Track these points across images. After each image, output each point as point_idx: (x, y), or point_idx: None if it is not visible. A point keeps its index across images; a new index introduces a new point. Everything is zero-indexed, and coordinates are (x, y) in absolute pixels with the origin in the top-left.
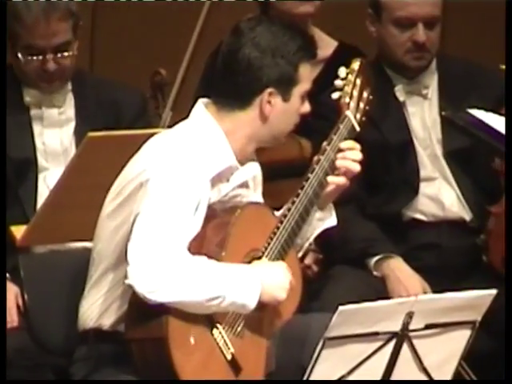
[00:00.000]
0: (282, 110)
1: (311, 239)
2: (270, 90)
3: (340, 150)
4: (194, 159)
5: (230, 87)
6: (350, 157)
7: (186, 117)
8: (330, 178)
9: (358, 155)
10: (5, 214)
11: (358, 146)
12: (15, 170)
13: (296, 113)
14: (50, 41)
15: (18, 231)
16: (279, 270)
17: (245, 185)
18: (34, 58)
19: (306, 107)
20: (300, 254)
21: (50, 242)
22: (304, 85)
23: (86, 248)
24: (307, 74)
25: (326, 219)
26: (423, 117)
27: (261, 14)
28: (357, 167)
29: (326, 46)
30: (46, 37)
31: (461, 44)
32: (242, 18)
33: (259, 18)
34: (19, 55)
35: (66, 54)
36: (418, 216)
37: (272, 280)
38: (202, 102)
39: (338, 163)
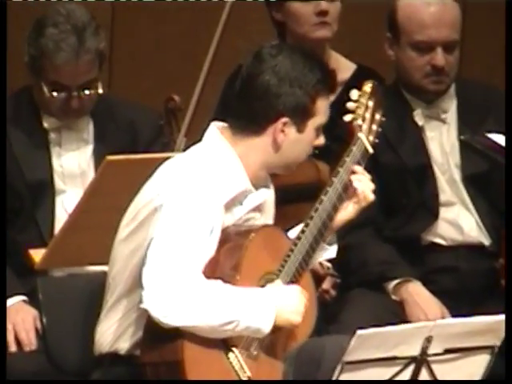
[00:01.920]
0: (295, 141)
1: (308, 268)
2: (284, 119)
3: (353, 173)
4: (207, 183)
5: (246, 111)
6: (366, 180)
7: (200, 141)
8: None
9: (371, 184)
10: (5, 216)
11: (368, 175)
12: (32, 192)
13: (309, 144)
14: (76, 80)
15: (37, 254)
16: (294, 294)
17: (258, 208)
18: (58, 94)
19: (321, 140)
20: None
21: (69, 265)
22: (320, 118)
23: (104, 272)
24: (324, 108)
25: (326, 250)
26: (441, 141)
27: (282, 41)
28: (371, 195)
29: (345, 68)
30: (74, 76)
31: (478, 68)
32: (262, 43)
33: (281, 45)
34: (44, 87)
35: (89, 91)
36: (437, 240)
37: (287, 304)
38: (215, 126)
39: (356, 184)
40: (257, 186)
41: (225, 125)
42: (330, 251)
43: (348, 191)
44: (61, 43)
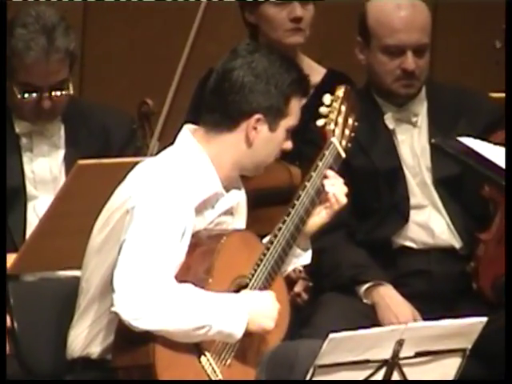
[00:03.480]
0: (267, 139)
1: (284, 275)
2: (258, 116)
3: (325, 177)
4: (179, 186)
5: (220, 106)
6: (339, 183)
7: (172, 144)
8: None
9: (344, 188)
10: (5, 217)
11: (341, 179)
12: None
13: (279, 145)
14: (47, 80)
15: (8, 259)
16: (267, 300)
17: (229, 212)
18: (29, 95)
19: (288, 144)
20: None
21: (40, 269)
22: (292, 119)
23: (76, 276)
24: (296, 110)
25: (300, 256)
26: (412, 144)
27: (251, 41)
28: (344, 198)
29: (315, 73)
30: (44, 76)
31: (449, 72)
32: (234, 45)
33: (258, 44)
34: (15, 90)
35: (61, 92)
36: (408, 243)
37: (260, 309)
38: (187, 128)
39: (328, 189)
40: (228, 188)
41: (196, 126)
42: (304, 257)
43: (321, 195)
44: (30, 43)
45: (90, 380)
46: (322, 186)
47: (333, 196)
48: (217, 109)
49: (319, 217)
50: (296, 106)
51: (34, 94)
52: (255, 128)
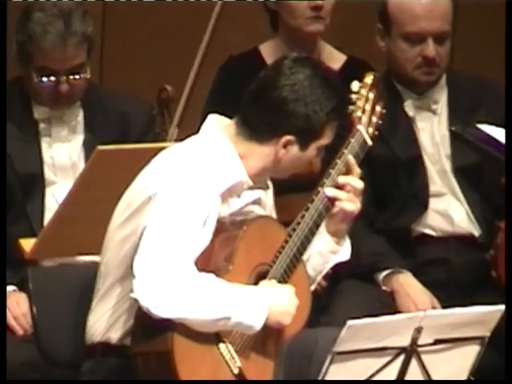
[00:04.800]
0: (295, 158)
1: (324, 272)
2: (289, 137)
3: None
4: (203, 173)
5: (255, 119)
6: (353, 180)
7: (194, 133)
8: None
9: (360, 183)
10: (5, 216)
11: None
12: (22, 184)
13: (307, 160)
14: (64, 64)
15: (27, 244)
16: (286, 294)
17: (257, 202)
18: (47, 79)
19: (320, 156)
20: (312, 288)
21: (59, 255)
22: (324, 140)
23: (94, 262)
24: (330, 132)
25: (338, 252)
26: (432, 132)
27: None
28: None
29: (335, 60)
30: (61, 61)
31: (470, 59)
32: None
33: (304, 61)
34: (33, 74)
35: (79, 76)
36: (427, 231)
37: (278, 304)
38: (215, 119)
39: (341, 180)
40: (256, 183)
41: (228, 120)
42: (342, 253)
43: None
44: (47, 26)
45: (93, 380)
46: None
47: (340, 210)
48: (251, 120)
49: (338, 220)
50: (331, 129)
51: (52, 78)
52: (285, 147)
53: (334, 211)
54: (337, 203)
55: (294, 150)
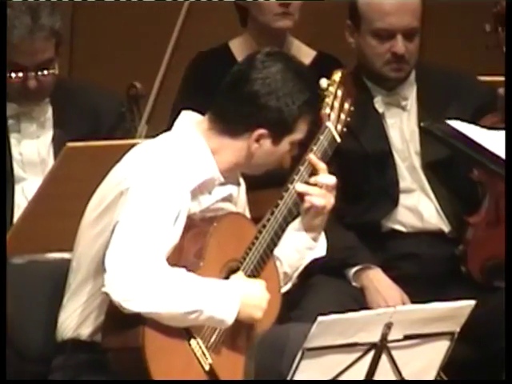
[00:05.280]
0: (268, 152)
1: (300, 269)
2: (262, 130)
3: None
4: (175, 169)
5: (227, 112)
6: (324, 177)
7: (163, 129)
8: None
9: (332, 178)
10: (5, 215)
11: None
12: None
13: (280, 156)
14: (32, 59)
15: None
16: (258, 289)
17: (227, 199)
18: (15, 75)
19: (294, 151)
20: (289, 286)
21: (29, 252)
22: (298, 135)
23: (65, 258)
24: (304, 127)
25: (315, 248)
26: (402, 128)
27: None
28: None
29: (305, 55)
30: (29, 55)
31: (439, 56)
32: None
33: (277, 56)
34: None
35: (47, 72)
36: (397, 227)
37: (250, 298)
38: (188, 115)
39: (312, 181)
40: (227, 179)
41: (201, 117)
42: (318, 249)
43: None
44: (15, 21)
45: (93, 380)
46: (301, 195)
47: (311, 206)
48: (224, 114)
49: (311, 216)
50: (304, 123)
51: (20, 74)
52: (258, 141)
53: (305, 206)
54: (306, 198)
55: (267, 144)
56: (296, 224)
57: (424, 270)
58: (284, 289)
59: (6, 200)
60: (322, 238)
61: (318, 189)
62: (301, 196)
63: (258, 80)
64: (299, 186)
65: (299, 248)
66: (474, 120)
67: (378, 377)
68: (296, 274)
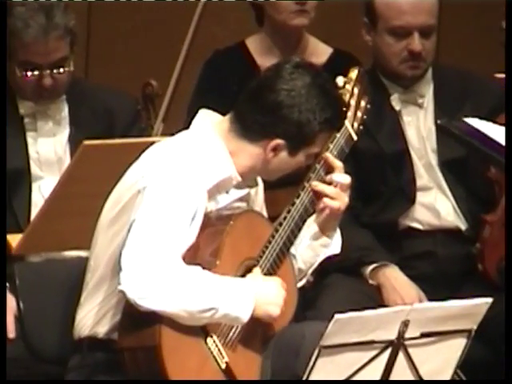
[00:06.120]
0: (284, 162)
1: (315, 266)
2: (279, 141)
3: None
4: (192, 168)
5: (249, 118)
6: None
7: (179, 127)
8: (325, 201)
9: (347, 178)
10: (5, 218)
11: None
12: (8, 179)
13: (295, 166)
14: (47, 58)
15: (14, 239)
16: (273, 286)
17: (245, 198)
18: (31, 73)
19: (309, 162)
20: (304, 281)
21: (46, 250)
22: (315, 148)
23: (81, 257)
24: (322, 141)
25: (329, 246)
26: (418, 126)
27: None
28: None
29: (321, 53)
30: (44, 54)
31: (455, 53)
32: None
33: (304, 68)
34: (16, 69)
35: (62, 70)
36: (414, 225)
37: (266, 296)
38: (206, 114)
39: (328, 178)
40: (245, 179)
41: (219, 116)
42: (332, 247)
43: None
44: (29, 20)
45: (93, 380)
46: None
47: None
48: (245, 118)
49: (326, 216)
50: (323, 138)
51: (35, 72)
52: (274, 150)
53: (320, 207)
54: (323, 199)
55: (283, 154)
56: (310, 221)
57: (440, 268)
58: (299, 284)
59: (23, 198)
60: (337, 235)
61: (333, 188)
62: (316, 195)
63: (283, 91)
64: (315, 185)
65: (313, 245)
66: (489, 118)
67: (395, 375)
68: (311, 271)
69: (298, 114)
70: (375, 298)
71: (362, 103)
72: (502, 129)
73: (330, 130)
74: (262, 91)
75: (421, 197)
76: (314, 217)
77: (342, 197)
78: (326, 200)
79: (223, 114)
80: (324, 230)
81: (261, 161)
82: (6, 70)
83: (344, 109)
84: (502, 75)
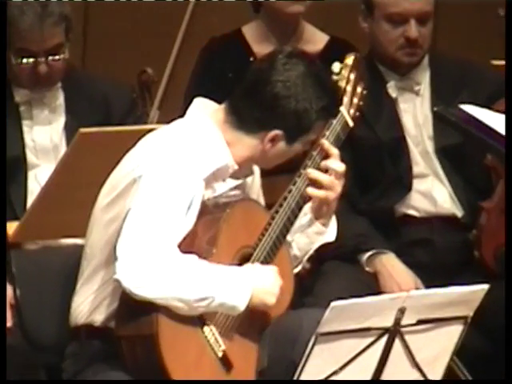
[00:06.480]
0: (281, 151)
1: (310, 252)
2: (277, 132)
3: (311, 180)
4: (188, 156)
5: (245, 111)
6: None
7: (175, 115)
8: (310, 191)
9: (341, 166)
10: (5, 215)
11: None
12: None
13: (293, 154)
14: (42, 45)
15: (10, 227)
16: (270, 274)
17: (242, 186)
18: (26, 60)
19: (306, 148)
20: (299, 268)
21: (42, 238)
22: (312, 136)
23: (78, 245)
24: (319, 129)
25: (324, 233)
26: (415, 113)
27: (295, 50)
28: (341, 168)
29: (318, 40)
30: (39, 41)
31: (452, 40)
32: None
33: (298, 59)
34: (11, 57)
35: (57, 57)
36: (411, 212)
37: (262, 284)
38: (201, 103)
39: (322, 164)
40: (240, 174)
41: (215, 105)
42: (327, 234)
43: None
44: (24, 8)
45: (100, 380)
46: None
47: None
48: (241, 111)
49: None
50: (320, 126)
51: (31, 60)
52: (272, 141)
53: (308, 194)
54: (307, 189)
55: (281, 144)
56: (306, 209)
57: (437, 256)
58: (294, 270)
59: (19, 186)
60: (333, 222)
61: (327, 176)
62: (312, 182)
63: (279, 83)
64: (309, 172)
65: (308, 233)
66: (486, 105)
67: (391, 362)
68: (306, 258)
69: (295, 104)
70: (372, 285)
71: (358, 89)
72: (499, 116)
73: (327, 117)
74: (257, 85)
75: (417, 184)
76: (308, 205)
77: (335, 185)
78: (309, 190)
79: (219, 102)
80: (318, 217)
81: (258, 151)
82: (5, 70)
83: (340, 95)
84: (499, 62)
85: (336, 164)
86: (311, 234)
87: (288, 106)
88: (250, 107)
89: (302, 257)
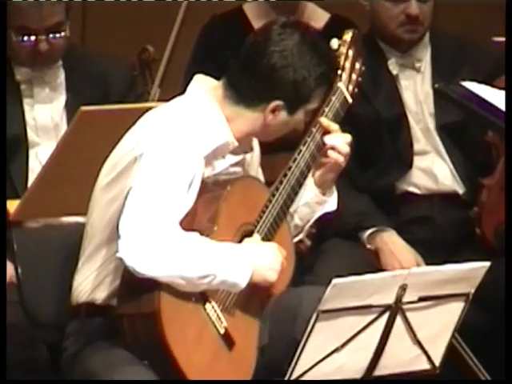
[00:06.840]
0: (283, 122)
1: (312, 221)
2: (278, 102)
3: (327, 132)
4: (189, 134)
5: (244, 85)
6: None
7: (176, 93)
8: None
9: (347, 137)
10: (5, 210)
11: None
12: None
13: (295, 125)
14: (42, 22)
15: (11, 206)
16: (271, 251)
17: (241, 163)
18: (27, 38)
19: (308, 118)
20: (301, 236)
21: (43, 216)
22: (312, 104)
23: (79, 223)
24: (319, 97)
25: (325, 203)
26: (416, 90)
27: (295, 22)
28: (346, 148)
29: (319, 18)
30: (39, 19)
31: (453, 17)
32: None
33: (292, 28)
34: (12, 34)
35: (58, 35)
36: (411, 189)
37: (263, 261)
38: (201, 79)
39: (327, 141)
40: (241, 144)
41: (214, 81)
42: (329, 204)
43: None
44: None
45: (95, 380)
46: (322, 140)
47: (332, 149)
48: (239, 85)
49: (325, 171)
50: (320, 94)
51: (31, 38)
52: (274, 112)
53: (324, 160)
54: (328, 152)
55: (283, 114)
56: (307, 180)
57: (438, 233)
58: (295, 239)
59: (20, 165)
60: (333, 192)
61: (343, 135)
62: (319, 150)
63: (275, 53)
64: (328, 139)
65: (310, 203)
66: (486, 82)
67: (393, 339)
68: (307, 227)
69: (293, 73)
70: (373, 263)
71: (357, 65)
72: (500, 92)
73: (326, 84)
74: (253, 57)
75: (418, 161)
76: (309, 175)
77: (344, 149)
78: (330, 152)
79: (220, 80)
80: (321, 185)
81: (259, 124)
82: (5, 70)
83: (338, 69)
84: (500, 38)
85: (339, 138)
86: (312, 204)
87: (286, 76)
88: (248, 80)
89: (303, 225)
